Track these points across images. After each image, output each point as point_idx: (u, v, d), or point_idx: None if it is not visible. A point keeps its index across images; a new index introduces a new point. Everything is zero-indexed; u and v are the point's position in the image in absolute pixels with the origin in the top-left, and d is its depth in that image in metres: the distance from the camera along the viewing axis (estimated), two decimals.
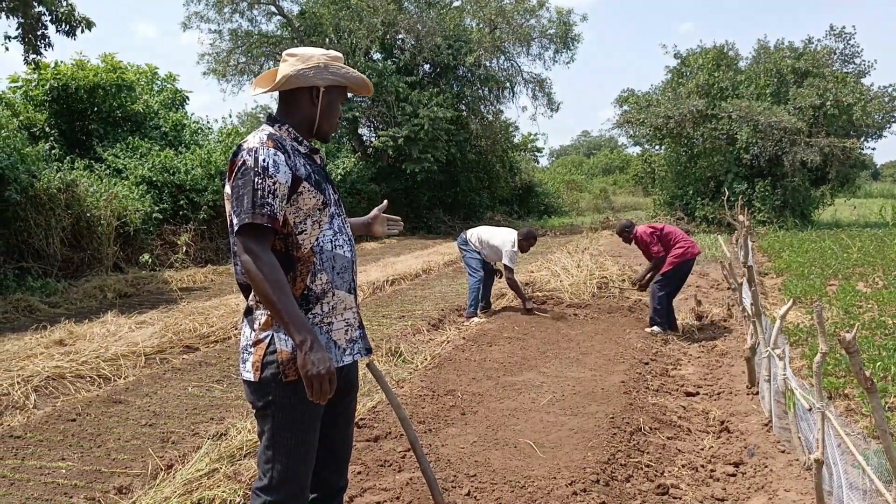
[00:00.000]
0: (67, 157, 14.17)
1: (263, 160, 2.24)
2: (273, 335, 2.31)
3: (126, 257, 12.81)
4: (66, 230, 11.56)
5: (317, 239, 2.38)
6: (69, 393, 5.61)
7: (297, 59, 2.43)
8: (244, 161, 2.26)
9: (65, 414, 5.06)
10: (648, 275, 8.05)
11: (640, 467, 4.04)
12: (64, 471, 4.08)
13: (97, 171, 14.22)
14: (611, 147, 61.68)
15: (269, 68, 25.53)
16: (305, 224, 2.35)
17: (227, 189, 2.31)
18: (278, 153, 2.29)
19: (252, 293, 2.36)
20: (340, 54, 2.54)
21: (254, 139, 2.32)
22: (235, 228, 2.23)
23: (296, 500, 2.40)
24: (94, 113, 15.86)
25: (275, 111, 2.52)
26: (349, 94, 2.64)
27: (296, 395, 2.27)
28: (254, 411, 2.42)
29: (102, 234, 12.05)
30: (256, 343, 2.33)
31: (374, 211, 2.99)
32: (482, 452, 4.19)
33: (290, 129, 2.43)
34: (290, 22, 23.66)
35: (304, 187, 2.33)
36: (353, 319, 2.51)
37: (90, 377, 5.98)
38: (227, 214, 2.32)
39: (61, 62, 15.33)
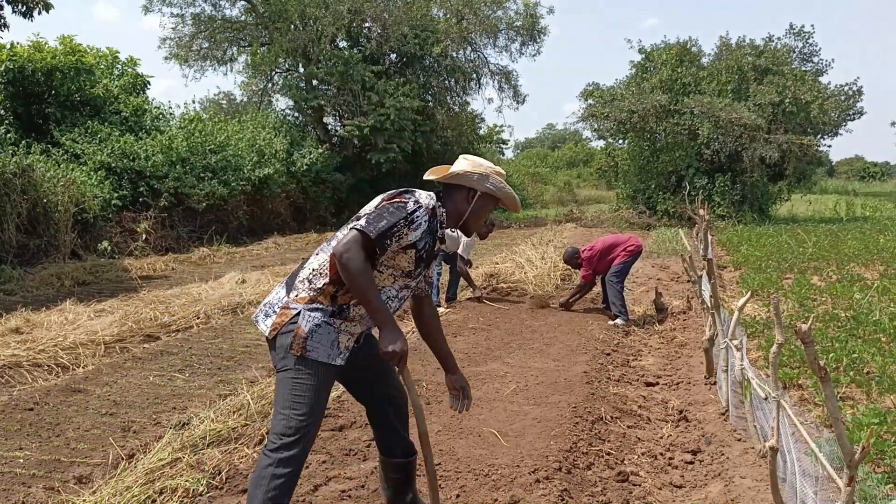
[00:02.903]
0: (23, 142, 13.83)
1: (417, 216, 2.68)
2: (302, 311, 2.66)
3: (84, 244, 12.57)
4: (22, 216, 11.30)
5: (381, 284, 2.75)
6: (26, 381, 5.50)
7: (469, 164, 2.90)
8: (408, 203, 2.69)
9: (22, 403, 4.96)
10: (574, 297, 8.55)
11: (601, 455, 4.11)
12: (21, 460, 4.01)
13: (54, 156, 13.91)
14: (575, 140, 62.11)
15: (232, 54, 25.12)
16: (385, 269, 2.73)
17: (377, 200, 2.78)
18: (429, 222, 2.73)
19: (308, 273, 2.74)
20: (503, 171, 2.98)
21: (427, 200, 2.76)
22: (360, 225, 2.58)
23: (303, 456, 2.68)
24: (51, 96, 15.47)
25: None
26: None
27: (305, 366, 2.63)
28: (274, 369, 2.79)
29: (60, 220, 11.80)
30: (285, 308, 2.69)
31: (462, 381, 3.15)
32: (447, 441, 4.23)
33: (444, 213, 2.85)
34: (254, 7, 23.31)
35: (411, 252, 2.72)
36: (351, 339, 2.79)
37: (48, 366, 5.88)
38: (363, 212, 2.75)
39: (17, 43, 14.92)
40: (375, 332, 2.77)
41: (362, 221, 2.61)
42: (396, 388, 3.10)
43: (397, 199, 2.72)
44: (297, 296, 2.70)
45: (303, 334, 2.63)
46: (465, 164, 2.90)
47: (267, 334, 2.70)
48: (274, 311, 2.72)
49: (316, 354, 2.64)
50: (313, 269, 2.74)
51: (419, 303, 3.10)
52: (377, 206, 2.73)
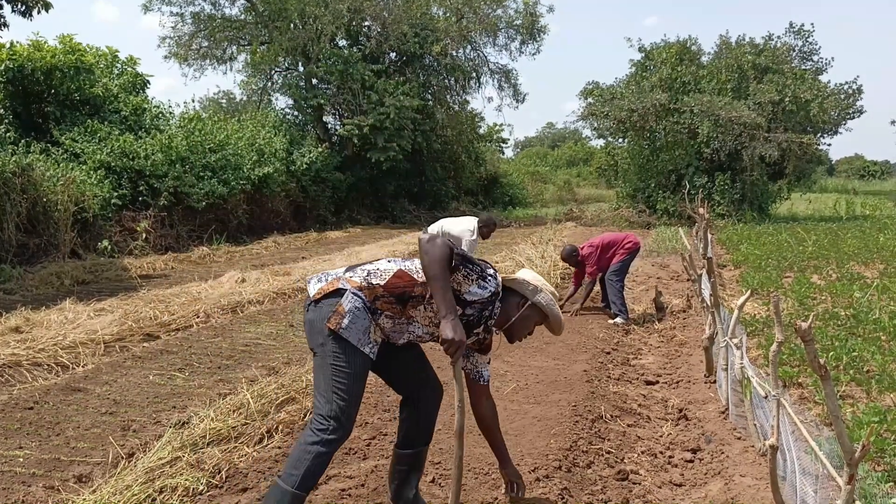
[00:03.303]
0: (23, 141, 13.80)
1: (489, 280, 3.00)
2: (349, 293, 2.87)
3: (84, 244, 12.54)
4: (22, 215, 11.28)
5: (415, 318, 2.97)
6: (26, 381, 5.49)
7: (530, 276, 3.22)
8: (489, 268, 3.07)
9: (22, 402, 4.96)
10: (584, 299, 8.44)
11: (601, 454, 4.11)
12: (21, 459, 4.01)
13: (54, 156, 13.88)
14: (575, 139, 62.07)
15: (231, 53, 25.11)
16: (429, 307, 2.93)
17: (472, 255, 3.24)
18: (491, 295, 3.00)
19: (372, 268, 2.97)
20: (558, 295, 3.29)
21: (499, 284, 3.07)
22: (454, 242, 2.78)
23: (344, 437, 2.86)
24: (51, 95, 15.43)
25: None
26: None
27: (342, 352, 2.82)
28: (312, 351, 2.93)
29: (59, 219, 11.78)
30: (336, 280, 2.92)
31: (515, 476, 3.39)
32: (447, 440, 4.22)
33: (498, 308, 3.09)
34: (254, 6, 23.28)
35: (459, 309, 2.91)
36: (379, 334, 2.98)
37: (48, 365, 5.87)
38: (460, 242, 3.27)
39: (17, 42, 14.89)
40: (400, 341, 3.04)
41: (460, 246, 2.90)
42: (427, 369, 3.26)
43: (485, 261, 3.09)
44: (350, 277, 2.94)
45: (342, 311, 2.83)
46: (527, 274, 3.22)
47: (312, 295, 2.93)
48: (326, 280, 2.97)
49: (348, 334, 2.81)
50: (378, 269, 2.97)
51: (478, 395, 3.28)
52: (472, 258, 3.05)
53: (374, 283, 2.91)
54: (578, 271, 8.46)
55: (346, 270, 3.00)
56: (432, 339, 3.06)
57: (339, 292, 2.88)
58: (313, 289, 2.95)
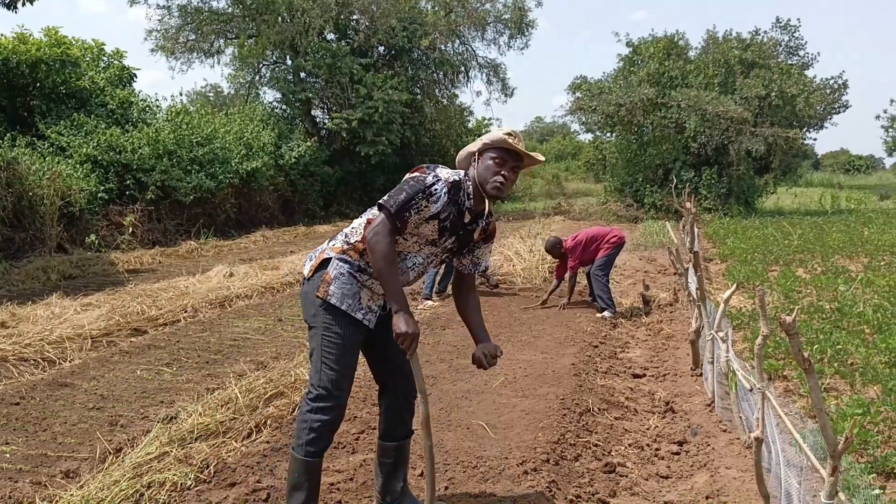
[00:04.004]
0: (8, 135, 13.67)
1: (436, 189, 2.79)
2: (333, 259, 2.92)
3: (70, 238, 12.48)
4: (7, 209, 11.19)
5: (407, 250, 2.93)
6: (12, 376, 5.46)
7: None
8: (427, 177, 2.81)
9: (8, 398, 4.93)
10: (571, 293, 8.44)
11: (588, 447, 4.14)
12: (8, 455, 3.98)
13: (40, 149, 13.77)
14: (563, 134, 62.21)
15: (219, 46, 24.87)
16: (410, 237, 2.87)
17: (407, 175, 2.89)
18: (450, 193, 2.83)
19: (349, 229, 3.01)
20: (513, 130, 2.91)
21: (447, 174, 2.87)
22: (383, 199, 2.77)
23: (336, 407, 2.87)
24: (36, 89, 15.31)
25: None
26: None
27: (333, 322, 2.85)
28: (306, 325, 2.96)
29: (45, 213, 11.70)
30: (321, 254, 2.98)
31: (492, 348, 3.01)
32: (435, 434, 4.22)
33: (469, 184, 2.91)
34: None
35: (434, 223, 2.85)
36: (374, 300, 2.98)
37: (34, 360, 5.84)
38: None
39: (2, 35, 14.75)
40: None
41: (385, 196, 2.79)
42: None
43: (417, 173, 2.87)
44: (333, 245, 2.99)
45: (328, 279, 2.88)
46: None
47: (306, 275, 2.99)
48: (315, 256, 3.03)
49: (336, 300, 2.84)
50: (353, 227, 3.00)
51: (460, 283, 3.18)
52: (404, 181, 2.88)
53: (354, 241, 2.94)
54: (561, 265, 8.46)
55: (329, 241, 3.06)
56: (438, 259, 3.05)
57: (326, 262, 2.94)
58: (306, 268, 3.02)
